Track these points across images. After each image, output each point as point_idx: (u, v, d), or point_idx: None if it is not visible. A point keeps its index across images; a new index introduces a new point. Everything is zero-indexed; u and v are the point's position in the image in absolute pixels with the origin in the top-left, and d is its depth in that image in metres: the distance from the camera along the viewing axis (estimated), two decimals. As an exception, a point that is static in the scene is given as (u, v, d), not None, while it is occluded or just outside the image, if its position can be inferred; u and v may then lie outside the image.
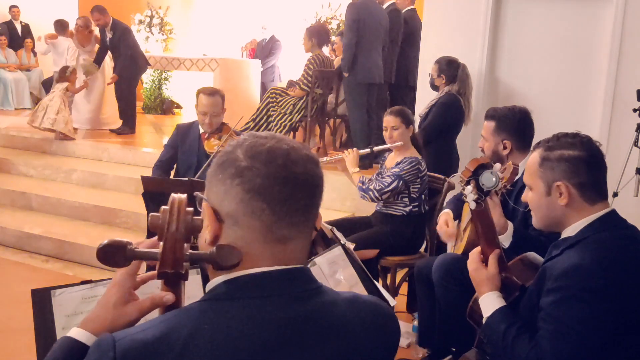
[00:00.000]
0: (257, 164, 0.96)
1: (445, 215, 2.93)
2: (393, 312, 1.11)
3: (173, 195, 1.01)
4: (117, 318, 1.04)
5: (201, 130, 3.72)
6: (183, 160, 3.72)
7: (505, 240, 2.31)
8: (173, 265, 0.99)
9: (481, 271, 1.86)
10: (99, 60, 7.12)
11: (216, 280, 0.99)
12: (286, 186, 0.96)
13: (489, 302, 1.81)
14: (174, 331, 0.91)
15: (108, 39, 7.02)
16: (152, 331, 0.91)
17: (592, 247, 1.63)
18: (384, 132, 3.50)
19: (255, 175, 0.95)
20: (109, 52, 7.23)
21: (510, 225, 2.35)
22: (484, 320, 1.81)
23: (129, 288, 1.07)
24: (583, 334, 1.56)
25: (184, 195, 1.01)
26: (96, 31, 7.31)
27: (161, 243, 0.99)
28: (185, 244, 1.00)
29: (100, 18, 6.94)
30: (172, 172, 3.88)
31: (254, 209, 0.95)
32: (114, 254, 1.01)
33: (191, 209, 1.01)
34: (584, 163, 1.69)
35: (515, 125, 2.73)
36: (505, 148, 2.73)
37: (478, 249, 1.93)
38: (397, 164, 3.39)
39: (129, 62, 7.00)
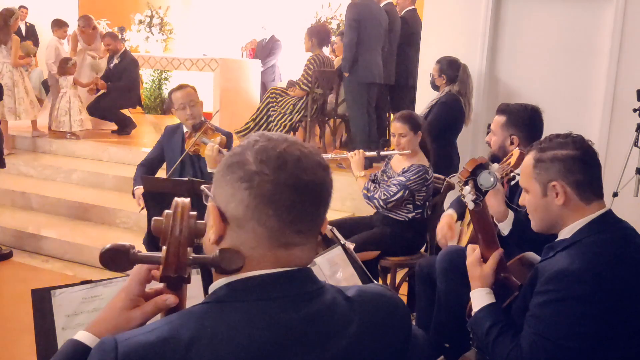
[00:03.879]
0: (266, 170, 0.94)
1: (448, 217, 2.92)
2: (400, 299, 1.09)
3: (176, 199, 1.00)
4: (122, 323, 1.03)
5: (185, 130, 3.71)
6: (169, 160, 3.70)
7: (505, 227, 2.32)
8: (176, 269, 0.99)
9: (476, 268, 1.89)
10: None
11: (218, 283, 0.98)
12: (294, 194, 0.95)
13: (478, 298, 1.85)
14: (176, 334, 0.90)
15: (112, 64, 7.03)
16: (155, 334, 0.91)
17: (583, 251, 1.62)
18: (391, 137, 3.45)
19: (264, 181, 0.94)
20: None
21: (511, 213, 2.34)
22: (472, 313, 1.84)
23: (136, 294, 1.06)
24: (563, 339, 1.57)
25: (187, 199, 1.00)
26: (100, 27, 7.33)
27: (164, 247, 0.99)
28: (188, 248, 1.00)
29: (112, 43, 7.00)
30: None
31: (260, 216, 0.94)
32: (116, 258, 1.01)
33: (194, 212, 1.00)
34: (577, 161, 1.69)
35: (526, 121, 2.74)
36: (512, 143, 2.73)
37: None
38: (404, 171, 3.32)
39: (121, 93, 6.98)
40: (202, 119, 3.64)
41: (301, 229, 0.97)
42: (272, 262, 0.97)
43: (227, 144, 3.53)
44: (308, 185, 0.96)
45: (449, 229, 2.86)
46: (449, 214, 2.94)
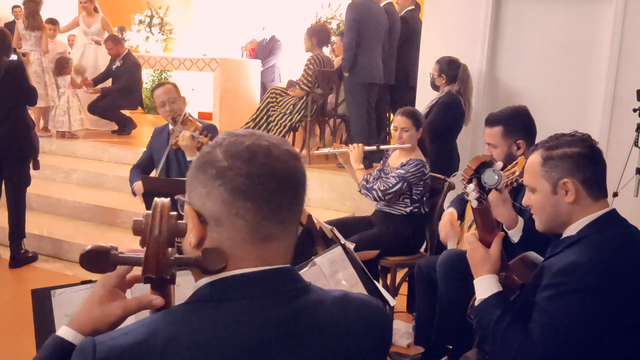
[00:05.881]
0: (237, 163, 0.94)
1: (449, 215, 2.90)
2: (385, 310, 1.10)
3: (156, 199, 1.00)
4: (102, 316, 1.03)
5: (171, 128, 3.71)
6: (156, 159, 3.71)
7: (515, 234, 2.30)
8: (157, 270, 0.98)
9: (480, 251, 1.82)
10: (97, 81, 7.06)
11: (201, 282, 0.98)
12: (269, 183, 0.95)
13: (486, 284, 1.78)
14: (154, 335, 0.90)
15: (115, 67, 7.04)
16: (133, 335, 0.90)
17: (592, 246, 1.63)
18: (392, 131, 3.49)
19: (237, 174, 0.94)
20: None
21: (520, 219, 2.32)
22: (476, 302, 1.78)
23: (113, 285, 1.06)
24: (575, 330, 1.56)
25: (167, 199, 1.00)
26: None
27: (144, 248, 0.98)
28: (171, 248, 0.99)
29: (113, 47, 7.01)
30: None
31: (238, 209, 0.94)
32: (97, 260, 1.00)
33: (175, 212, 0.99)
34: (586, 159, 1.70)
35: (524, 122, 2.72)
36: (519, 148, 2.68)
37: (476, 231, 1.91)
38: (403, 165, 3.37)
39: (121, 94, 6.97)
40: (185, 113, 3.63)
41: (281, 218, 0.97)
42: (254, 258, 0.96)
43: (209, 130, 3.50)
44: (281, 174, 0.96)
45: (451, 226, 2.83)
46: (450, 212, 2.92)
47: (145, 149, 3.94)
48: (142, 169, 3.75)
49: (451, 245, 2.84)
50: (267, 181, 0.95)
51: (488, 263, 1.80)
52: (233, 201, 0.94)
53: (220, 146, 0.97)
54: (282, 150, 0.98)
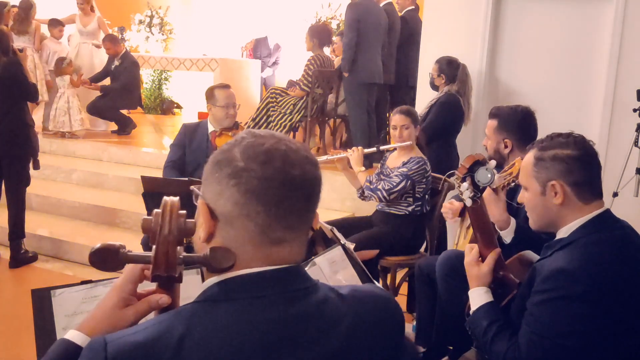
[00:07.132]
0: (253, 166, 0.94)
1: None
2: (394, 301, 1.09)
3: (165, 197, 1.00)
4: (114, 321, 1.03)
5: (210, 129, 3.69)
6: (191, 160, 3.67)
7: (507, 235, 2.31)
8: (166, 268, 0.98)
9: (474, 267, 1.89)
10: (95, 80, 7.06)
11: (210, 281, 0.98)
12: (282, 189, 0.95)
13: (476, 297, 1.86)
14: (166, 333, 0.90)
15: (113, 66, 7.04)
16: (145, 333, 0.90)
17: (580, 251, 1.63)
18: (392, 130, 3.50)
19: (252, 177, 0.94)
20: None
21: (513, 220, 2.33)
22: (470, 313, 1.84)
23: (129, 293, 1.06)
24: (561, 337, 1.57)
25: (176, 198, 1.00)
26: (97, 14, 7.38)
27: (154, 246, 0.99)
28: (179, 247, 1.00)
29: (111, 47, 7.02)
30: None
31: (249, 211, 0.94)
32: (106, 258, 1.00)
33: (184, 211, 1.00)
34: (578, 162, 1.69)
35: (517, 124, 2.73)
36: (506, 147, 2.73)
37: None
38: (404, 163, 3.38)
39: (120, 94, 6.96)
40: None
41: (290, 224, 0.97)
42: (262, 259, 0.97)
43: None
44: (296, 180, 0.96)
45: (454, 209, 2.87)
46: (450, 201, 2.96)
47: (146, 148, 3.93)
48: (177, 166, 3.69)
49: (452, 226, 2.85)
50: (280, 186, 0.94)
51: (477, 279, 1.87)
52: (245, 203, 0.94)
53: (239, 145, 0.98)
54: (299, 156, 0.98)
